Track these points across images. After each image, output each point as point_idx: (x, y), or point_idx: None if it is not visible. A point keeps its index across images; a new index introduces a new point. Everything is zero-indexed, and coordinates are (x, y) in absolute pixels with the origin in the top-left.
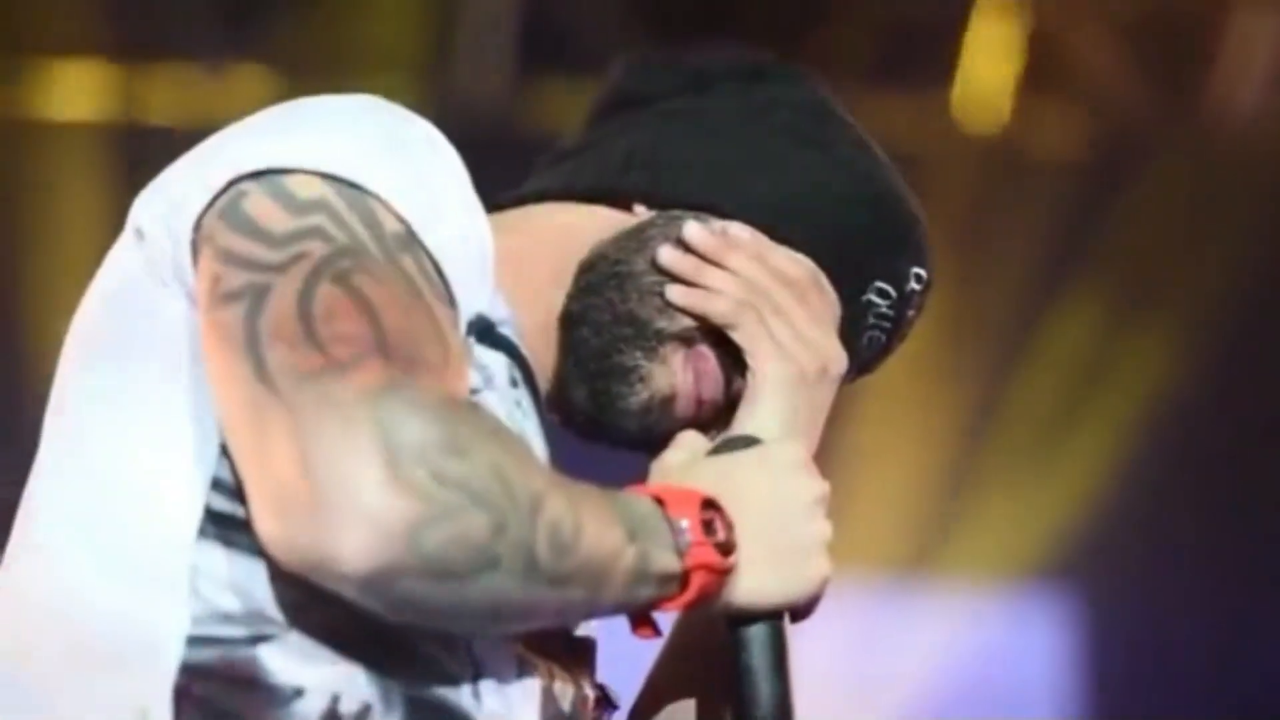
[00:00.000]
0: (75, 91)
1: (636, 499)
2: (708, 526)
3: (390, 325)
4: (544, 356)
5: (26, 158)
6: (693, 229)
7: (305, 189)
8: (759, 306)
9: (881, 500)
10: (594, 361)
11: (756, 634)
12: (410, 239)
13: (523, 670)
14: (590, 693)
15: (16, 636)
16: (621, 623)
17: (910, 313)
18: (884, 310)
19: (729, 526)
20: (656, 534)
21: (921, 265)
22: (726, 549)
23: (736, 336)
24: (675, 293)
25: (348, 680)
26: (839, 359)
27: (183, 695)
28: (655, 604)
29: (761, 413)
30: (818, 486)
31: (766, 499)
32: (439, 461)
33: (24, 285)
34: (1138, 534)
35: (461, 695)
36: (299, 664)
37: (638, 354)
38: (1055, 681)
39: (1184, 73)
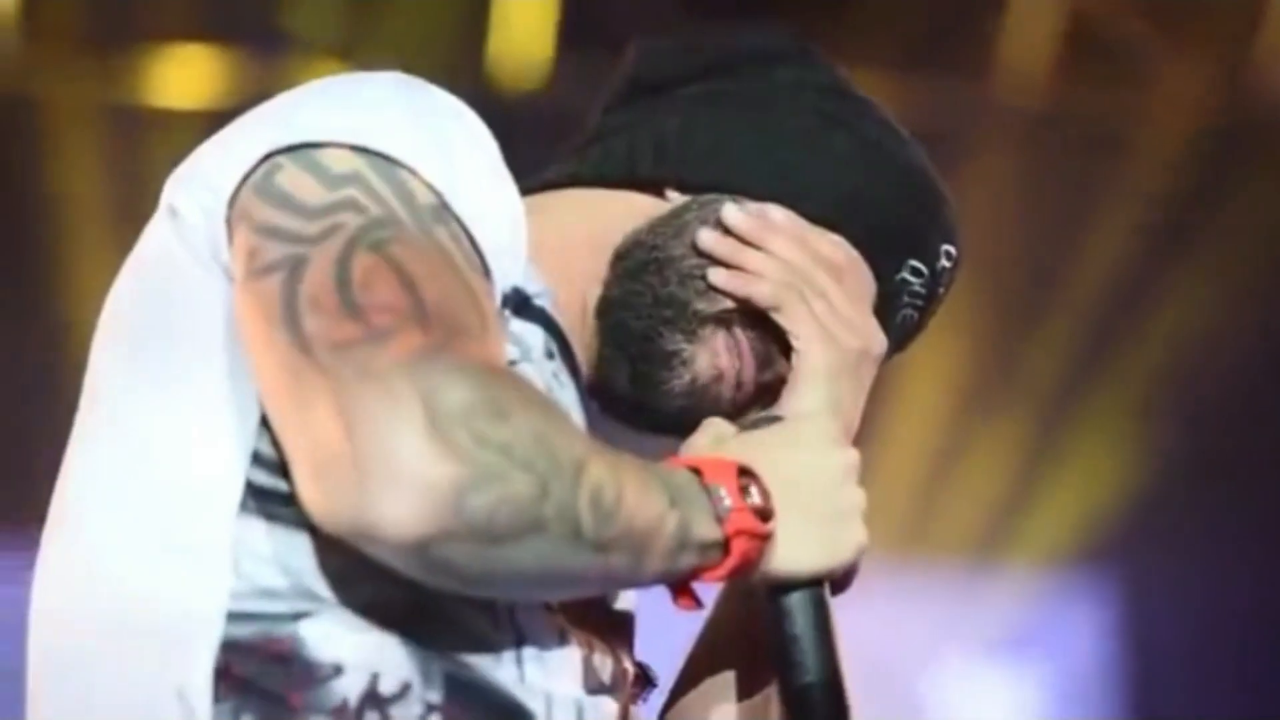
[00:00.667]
0: (186, 78)
1: (673, 469)
2: (745, 492)
3: (428, 293)
4: (578, 335)
5: (141, 144)
6: (731, 211)
7: (338, 162)
8: (801, 288)
9: (917, 486)
10: (635, 345)
11: (798, 602)
12: (443, 209)
13: (564, 640)
14: (629, 666)
15: (57, 612)
16: (660, 603)
17: (941, 290)
18: (917, 288)
19: (765, 493)
20: (696, 502)
21: (952, 242)
22: (765, 514)
23: (780, 319)
24: (718, 276)
25: (388, 658)
26: (879, 340)
27: (222, 674)
28: (697, 573)
29: (807, 395)
30: (848, 455)
31: (798, 469)
32: (481, 426)
33: (103, 273)
34: (1177, 518)
35: (503, 665)
36: (339, 641)
37: (679, 337)
38: (1097, 666)
39: (1223, 48)
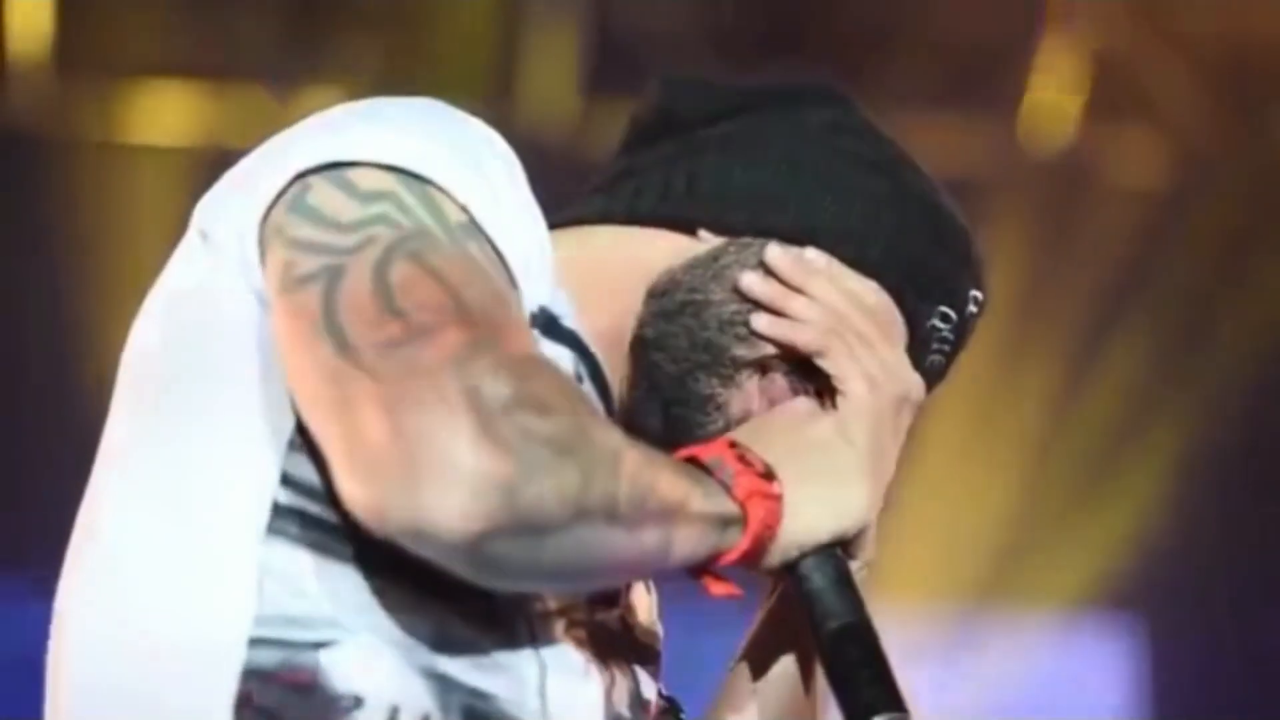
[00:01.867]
0: (162, 115)
1: (678, 460)
2: (743, 460)
3: (466, 294)
4: (610, 364)
5: (115, 181)
6: (776, 254)
7: (369, 180)
8: (844, 334)
9: (940, 532)
10: (671, 389)
11: (813, 562)
12: (473, 227)
13: (587, 672)
14: (652, 698)
15: (80, 636)
16: (689, 638)
17: (967, 336)
18: (945, 334)
19: (760, 459)
20: (705, 481)
21: (979, 288)
22: (769, 475)
23: (825, 365)
24: (761, 322)
25: (408, 690)
26: (918, 386)
27: (243, 704)
28: (722, 554)
29: (851, 440)
30: (832, 420)
31: (789, 440)
32: (526, 419)
33: (110, 307)
34: (1198, 566)
35: (526, 697)
36: (360, 671)
37: (714, 381)
38: (1115, 712)
39: (1254, 97)
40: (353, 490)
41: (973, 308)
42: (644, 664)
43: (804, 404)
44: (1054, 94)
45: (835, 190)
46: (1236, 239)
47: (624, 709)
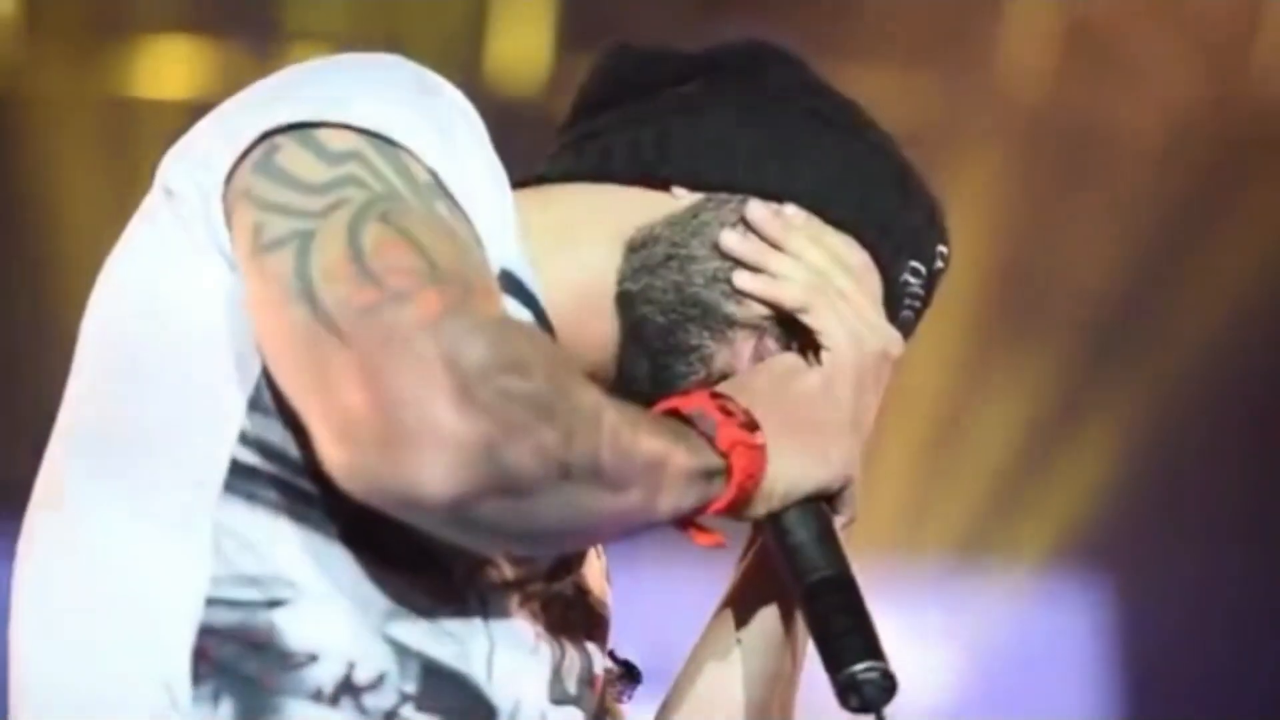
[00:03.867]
0: (169, 69)
1: (659, 415)
2: (725, 411)
3: (439, 256)
4: (574, 328)
5: (124, 136)
6: (756, 211)
7: (337, 141)
8: (826, 290)
9: (910, 487)
10: (658, 339)
11: (796, 514)
12: (440, 189)
13: (536, 648)
14: (600, 672)
15: (44, 597)
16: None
17: (934, 291)
18: (916, 289)
19: (743, 409)
20: (687, 434)
21: (945, 243)
22: (751, 425)
23: (809, 320)
24: (743, 279)
25: (364, 648)
26: (897, 341)
27: (200, 656)
28: (705, 505)
29: (837, 395)
30: (817, 374)
31: (773, 393)
32: (505, 381)
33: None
34: (1168, 518)
35: (474, 668)
36: (316, 629)
37: (704, 334)
38: (1087, 667)
39: (1225, 48)
40: (335, 456)
41: (939, 263)
42: (594, 634)
43: (789, 359)
44: (1030, 47)
45: (808, 148)
46: (1213, 190)
47: (571, 685)
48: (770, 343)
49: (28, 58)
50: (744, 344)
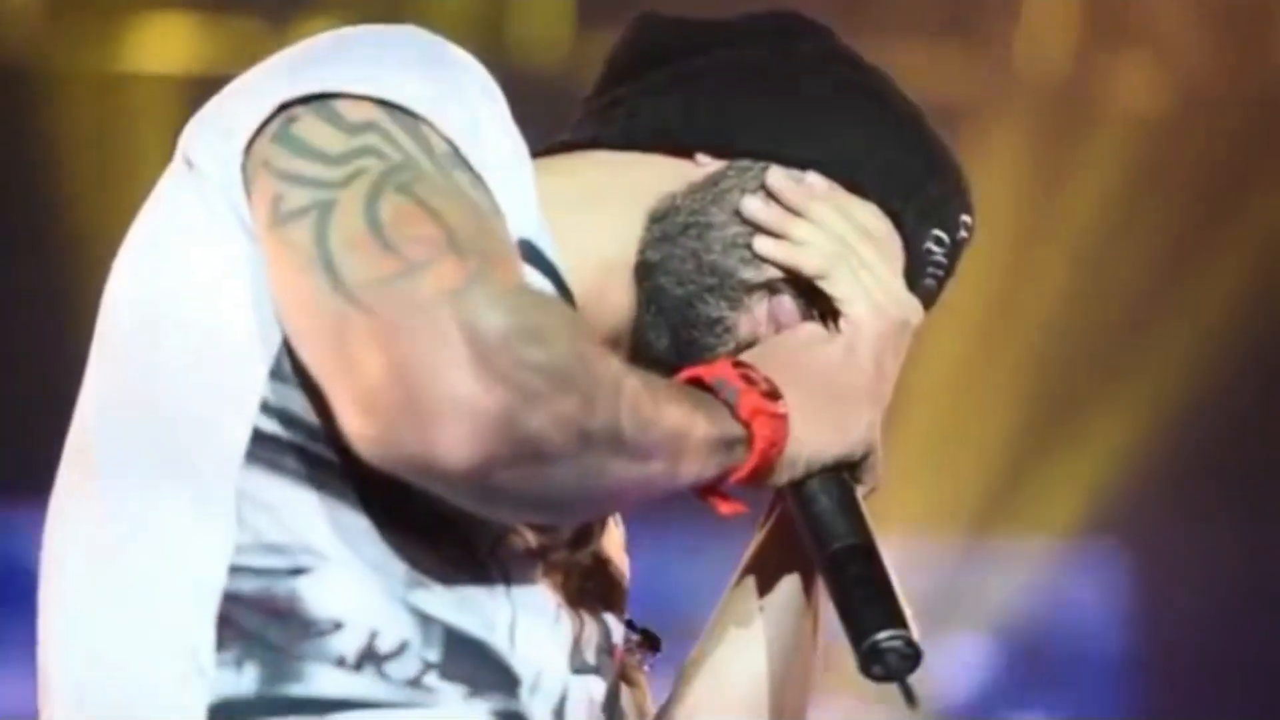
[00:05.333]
0: (159, 45)
1: (680, 383)
2: (747, 379)
3: (457, 226)
4: (594, 298)
5: (111, 111)
6: (777, 178)
7: (355, 111)
8: (848, 257)
9: (930, 462)
10: (678, 311)
11: (819, 483)
12: (458, 159)
13: (558, 617)
14: (618, 642)
15: (71, 568)
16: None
17: (958, 260)
18: (939, 258)
19: (765, 377)
20: (709, 402)
21: (969, 212)
22: (773, 394)
23: (828, 287)
24: (764, 245)
25: (387, 616)
26: (917, 311)
27: (224, 623)
28: (727, 474)
29: (859, 364)
30: (840, 343)
31: (795, 361)
32: (525, 349)
33: (108, 238)
34: (1186, 494)
35: (497, 638)
36: (339, 597)
37: (723, 304)
38: (1105, 640)
39: (1249, 23)
40: (356, 425)
41: (963, 232)
42: (612, 604)
43: (812, 328)
44: (1050, 21)
45: (833, 116)
46: (1234, 168)
47: (590, 655)
48: (786, 300)
49: (44, 34)
50: (759, 306)
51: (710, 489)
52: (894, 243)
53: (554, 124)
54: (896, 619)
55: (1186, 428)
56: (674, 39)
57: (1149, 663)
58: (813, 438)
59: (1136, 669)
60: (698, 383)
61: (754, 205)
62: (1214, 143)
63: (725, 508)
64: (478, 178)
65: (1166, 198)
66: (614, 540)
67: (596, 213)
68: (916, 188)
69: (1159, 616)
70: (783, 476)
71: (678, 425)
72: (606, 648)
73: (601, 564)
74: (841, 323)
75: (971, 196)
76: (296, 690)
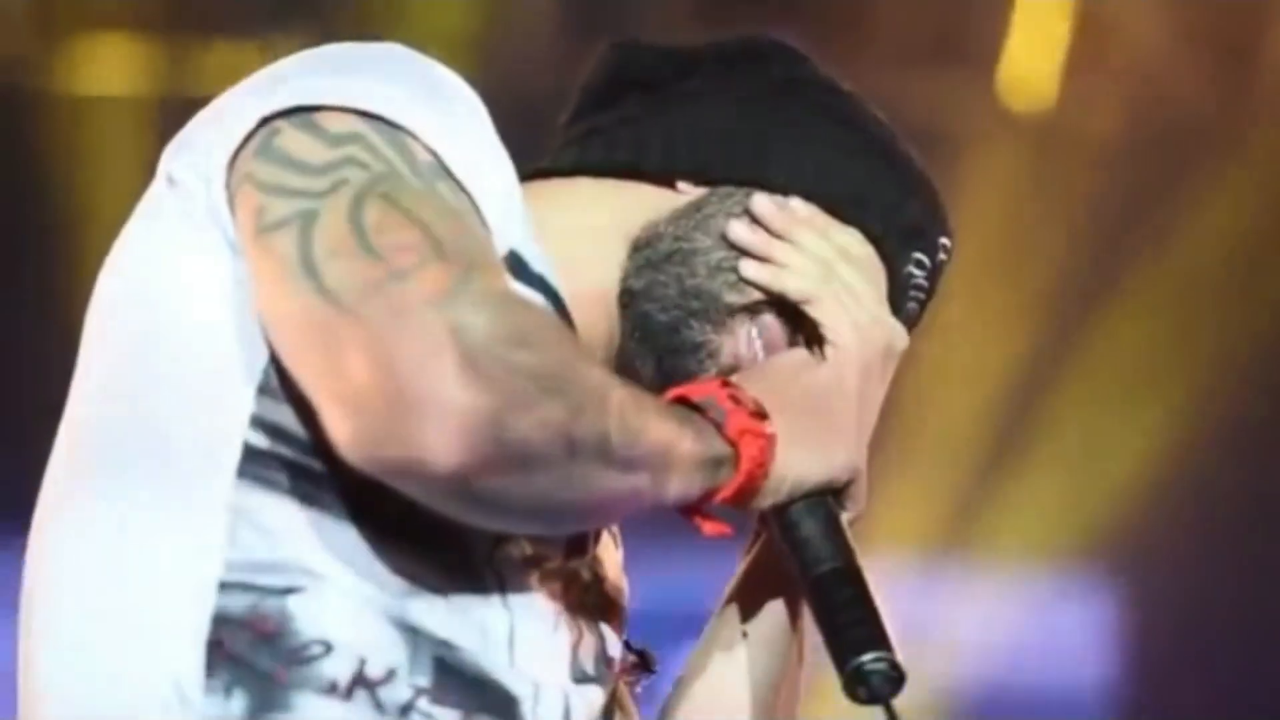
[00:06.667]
0: (117, 66)
1: (668, 401)
2: (735, 400)
3: (442, 233)
4: (584, 317)
5: (69, 133)
6: (762, 202)
7: (337, 123)
8: (832, 282)
9: (922, 481)
10: (663, 337)
11: (804, 507)
12: (441, 169)
13: (556, 627)
14: (616, 654)
15: (55, 588)
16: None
17: (938, 283)
18: (920, 281)
19: (754, 399)
20: (695, 421)
21: (948, 235)
22: (761, 415)
23: (813, 312)
24: (750, 268)
25: (376, 641)
26: (902, 336)
27: (214, 648)
28: (713, 493)
29: (845, 390)
30: (828, 369)
31: (783, 385)
32: (510, 354)
33: (64, 261)
34: (1181, 520)
35: (494, 649)
36: (329, 618)
37: (707, 328)
38: (1096, 665)
39: (1234, 49)
40: (342, 429)
41: (943, 255)
42: (610, 619)
43: (800, 353)
44: (1035, 48)
45: (811, 141)
46: (1222, 195)
47: (589, 665)
48: (770, 321)
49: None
50: (742, 328)
51: (695, 508)
52: (876, 267)
53: (538, 140)
54: (881, 642)
55: (1190, 451)
56: (650, 66)
57: (1136, 687)
58: (798, 461)
59: (1122, 693)
60: (685, 402)
61: (740, 229)
62: (1201, 171)
63: (710, 528)
64: (461, 188)
65: (1152, 224)
66: (612, 559)
67: (579, 242)
68: (896, 211)
69: (1147, 642)
70: (767, 499)
71: (665, 439)
72: (604, 658)
73: (598, 579)
74: (826, 348)
75: (949, 219)
76: None
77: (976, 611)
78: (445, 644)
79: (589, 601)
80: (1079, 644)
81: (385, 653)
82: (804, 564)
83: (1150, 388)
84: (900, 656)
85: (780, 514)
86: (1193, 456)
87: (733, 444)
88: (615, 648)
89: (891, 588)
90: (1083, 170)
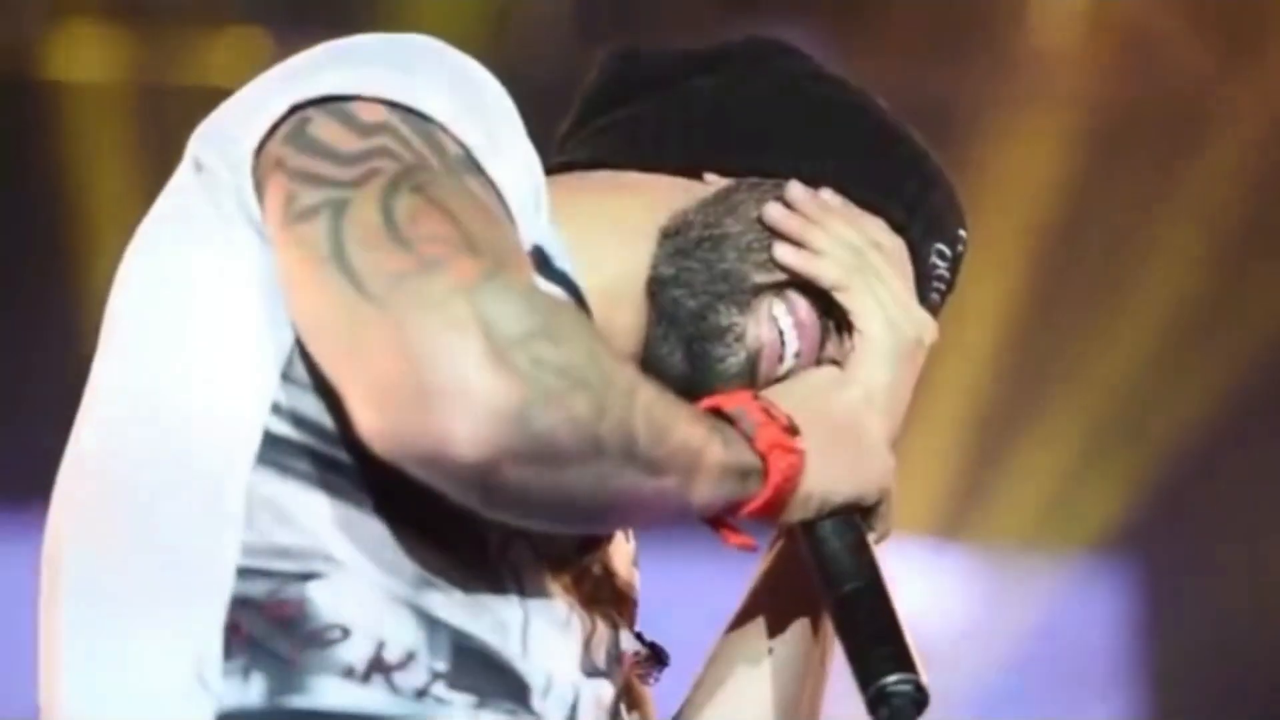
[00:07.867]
0: (90, 53)
1: (699, 408)
2: (767, 413)
3: (472, 226)
4: (604, 317)
5: (43, 119)
6: (797, 190)
7: (368, 113)
8: (864, 272)
9: (936, 468)
10: (691, 323)
11: (831, 525)
12: (470, 162)
13: (569, 620)
14: (627, 648)
15: (75, 572)
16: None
17: (958, 273)
18: (942, 272)
19: (785, 414)
20: (726, 430)
21: (964, 226)
22: (792, 430)
23: (845, 300)
24: (784, 251)
25: (394, 626)
26: (932, 328)
27: (232, 631)
28: (740, 505)
29: (868, 375)
30: (859, 389)
31: (814, 401)
32: (539, 348)
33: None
34: (1200, 507)
35: (508, 639)
36: (347, 603)
37: (734, 310)
38: (1114, 654)
39: (1247, 34)
40: (368, 418)
41: (961, 246)
42: (621, 613)
43: (832, 371)
44: (1052, 33)
45: (834, 133)
46: (1246, 191)
47: (600, 660)
48: (797, 299)
49: (54, 39)
50: (767, 308)
51: (721, 519)
52: (904, 258)
53: (554, 138)
54: (905, 663)
55: (1210, 440)
56: (658, 67)
57: (1160, 681)
58: (828, 478)
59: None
60: (717, 412)
61: (777, 212)
62: (1216, 154)
63: (735, 540)
64: (489, 182)
65: (1181, 219)
66: (623, 554)
67: (605, 232)
68: (919, 203)
69: (1171, 634)
70: (795, 514)
71: (692, 442)
72: (615, 653)
73: (610, 573)
74: (857, 338)
75: (964, 210)
76: (303, 702)
77: (997, 599)
78: (461, 633)
79: (601, 596)
80: (1098, 633)
81: (403, 637)
82: (829, 582)
83: (1162, 372)
84: (925, 678)
85: (808, 530)
86: (1204, 441)
87: (763, 457)
88: (626, 643)
89: (897, 572)
90: (1101, 157)
